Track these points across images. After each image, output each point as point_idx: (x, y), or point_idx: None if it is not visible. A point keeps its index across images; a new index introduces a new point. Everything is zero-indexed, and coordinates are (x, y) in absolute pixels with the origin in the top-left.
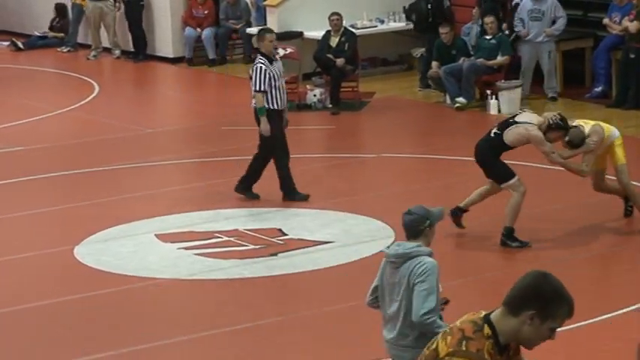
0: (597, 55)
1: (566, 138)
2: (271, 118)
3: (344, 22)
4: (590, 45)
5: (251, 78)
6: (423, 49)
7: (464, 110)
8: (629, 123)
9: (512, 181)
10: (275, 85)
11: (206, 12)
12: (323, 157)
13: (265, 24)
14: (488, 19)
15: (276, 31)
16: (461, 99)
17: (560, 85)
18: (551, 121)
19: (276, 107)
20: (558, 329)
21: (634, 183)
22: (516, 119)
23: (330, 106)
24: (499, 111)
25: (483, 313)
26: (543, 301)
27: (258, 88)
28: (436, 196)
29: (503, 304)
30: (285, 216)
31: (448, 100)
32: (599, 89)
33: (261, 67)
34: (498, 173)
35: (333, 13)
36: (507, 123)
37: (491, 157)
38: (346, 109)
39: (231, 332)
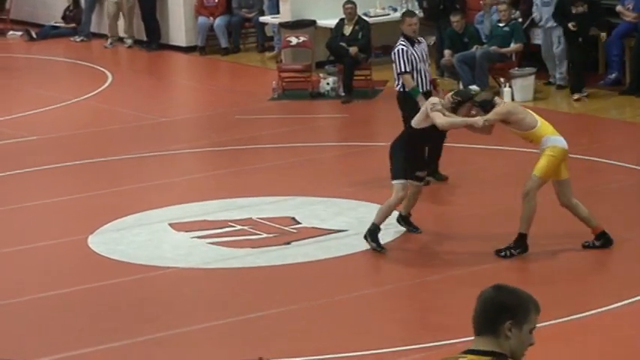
0: (611, 42)
1: (476, 103)
2: (408, 100)
3: (357, 10)
4: (604, 32)
5: (393, 62)
6: (434, 38)
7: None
8: None
9: (398, 182)
10: (416, 68)
11: (217, 0)
12: (336, 145)
13: (278, 12)
14: (502, 7)
15: (288, 19)
16: (474, 86)
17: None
18: (449, 102)
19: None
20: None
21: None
22: None
23: (343, 94)
24: (512, 99)
25: (459, 352)
26: (512, 309)
27: (402, 70)
28: (448, 183)
29: (476, 334)
30: (298, 204)
31: (461, 88)
32: (612, 76)
33: (402, 48)
34: (394, 167)
35: (348, 2)
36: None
37: (398, 148)
38: (359, 97)
39: (244, 320)
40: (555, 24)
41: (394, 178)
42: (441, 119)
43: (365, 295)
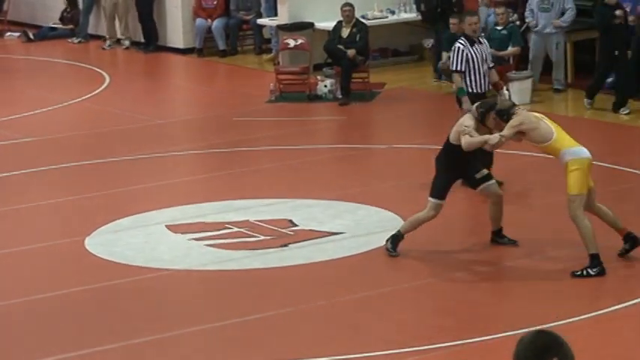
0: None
1: (496, 112)
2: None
3: (355, 12)
4: None
5: (449, 59)
6: (432, 40)
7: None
8: None
9: (433, 201)
10: (474, 68)
11: (216, 2)
12: (334, 147)
13: (276, 15)
14: (500, 10)
15: (286, 21)
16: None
17: (572, 76)
18: (475, 114)
19: (473, 91)
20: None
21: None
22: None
23: (341, 97)
24: None
25: None
26: (557, 348)
27: (454, 68)
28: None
29: None
30: (295, 207)
31: None
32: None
33: (459, 47)
34: (434, 184)
35: (346, 4)
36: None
37: (441, 165)
38: (357, 100)
39: (242, 323)
40: (555, 30)
41: (431, 195)
42: (463, 141)
43: (362, 297)
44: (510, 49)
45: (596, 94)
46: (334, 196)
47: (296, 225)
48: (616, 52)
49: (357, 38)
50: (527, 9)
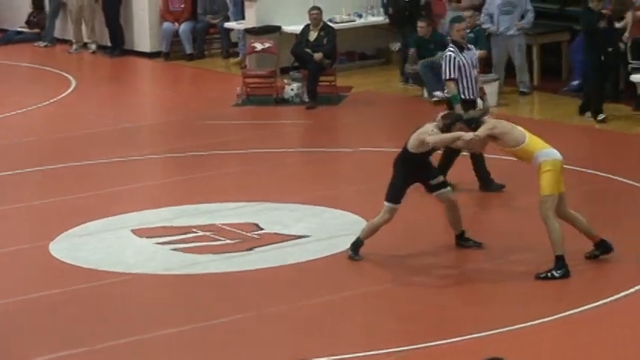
0: (574, 48)
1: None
2: (462, 108)
3: (323, 16)
4: (567, 38)
5: (441, 67)
6: (399, 44)
7: (442, 104)
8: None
9: (388, 205)
10: (465, 74)
11: (183, 6)
12: (300, 151)
13: (243, 18)
14: (467, 13)
15: (253, 25)
16: (438, 93)
17: (538, 79)
18: (438, 125)
19: (465, 97)
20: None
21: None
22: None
23: (308, 100)
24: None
25: None
26: None
27: (447, 76)
28: (413, 190)
29: None
30: (261, 210)
31: (426, 95)
32: (575, 83)
33: (450, 54)
34: (390, 188)
35: (313, 7)
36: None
37: (398, 168)
38: (324, 103)
39: (207, 327)
40: (517, 32)
41: (386, 198)
42: (431, 137)
43: (327, 301)
44: (477, 53)
45: (602, 104)
46: (300, 200)
47: (261, 228)
48: (602, 57)
49: (325, 42)
50: (483, 14)
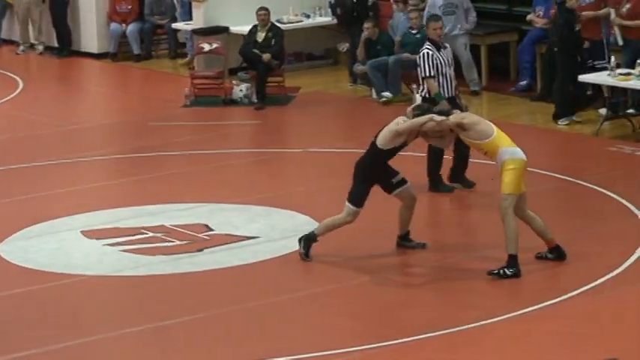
0: (522, 48)
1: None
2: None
3: (271, 16)
4: (515, 39)
5: (418, 66)
6: (348, 44)
7: (390, 105)
8: None
9: (351, 208)
10: (442, 72)
11: (130, 7)
12: (249, 152)
13: (191, 19)
14: (413, 14)
15: (201, 26)
16: (387, 93)
17: (486, 79)
18: (409, 117)
19: (443, 95)
20: None
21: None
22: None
23: (256, 101)
24: None
25: None
26: None
27: (426, 74)
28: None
29: None
30: (211, 211)
31: (374, 95)
32: (524, 83)
33: (427, 52)
34: (352, 191)
35: (261, 8)
36: (380, 130)
37: (360, 170)
38: (272, 104)
39: (157, 328)
40: (461, 31)
41: (349, 200)
42: (406, 125)
43: (277, 301)
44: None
45: (579, 105)
46: (250, 201)
47: (211, 229)
48: (578, 58)
49: (273, 42)
50: (425, 16)
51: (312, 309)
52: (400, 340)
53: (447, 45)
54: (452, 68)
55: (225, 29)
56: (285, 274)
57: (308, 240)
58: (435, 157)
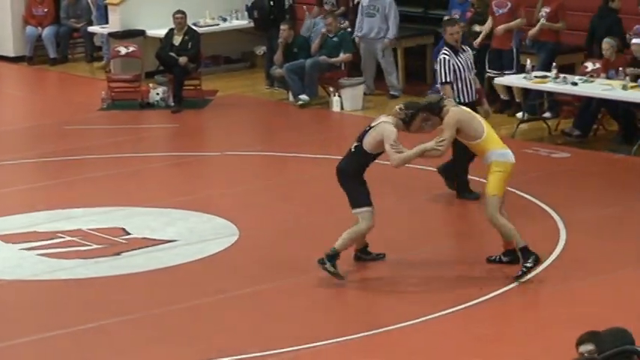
0: (438, 51)
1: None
2: None
3: (187, 20)
4: (431, 42)
5: (436, 71)
6: (264, 47)
7: (307, 108)
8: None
9: (363, 209)
10: (461, 77)
11: (46, 10)
12: (166, 155)
13: (107, 22)
14: (328, 20)
15: (117, 29)
16: (304, 96)
17: (402, 82)
18: (399, 116)
19: (461, 100)
20: None
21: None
22: (372, 125)
23: (173, 104)
24: (342, 108)
25: None
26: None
27: (443, 80)
28: (280, 193)
29: None
30: (128, 215)
31: (291, 98)
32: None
33: (444, 57)
34: (352, 196)
35: (178, 11)
36: (364, 132)
37: (351, 176)
38: (189, 107)
39: (74, 333)
40: (380, 35)
41: (358, 206)
42: (394, 158)
43: (197, 305)
44: (342, 56)
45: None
46: (167, 204)
47: (129, 233)
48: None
49: (189, 46)
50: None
51: (232, 312)
52: (322, 343)
53: (467, 48)
54: (472, 72)
55: (142, 33)
56: (204, 278)
57: (332, 258)
58: (460, 160)
